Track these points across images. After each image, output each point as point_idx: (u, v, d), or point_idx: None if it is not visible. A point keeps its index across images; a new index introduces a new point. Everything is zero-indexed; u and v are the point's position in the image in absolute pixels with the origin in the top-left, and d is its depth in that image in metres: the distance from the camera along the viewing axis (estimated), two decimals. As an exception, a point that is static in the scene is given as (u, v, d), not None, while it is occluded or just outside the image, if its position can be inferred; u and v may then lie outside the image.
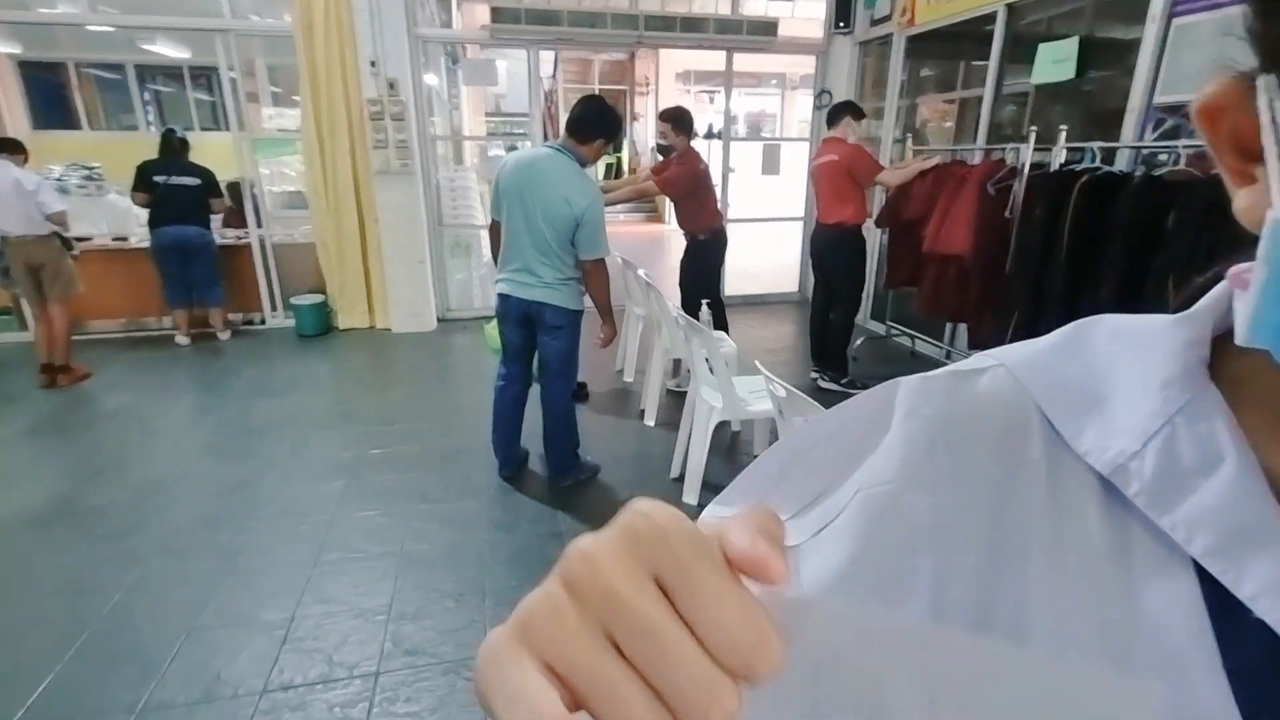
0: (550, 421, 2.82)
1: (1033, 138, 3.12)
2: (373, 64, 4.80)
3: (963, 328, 3.94)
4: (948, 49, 4.73)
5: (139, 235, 5.09)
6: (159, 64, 9.90)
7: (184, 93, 8.26)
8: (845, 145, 3.75)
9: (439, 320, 5.53)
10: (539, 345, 2.73)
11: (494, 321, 2.88)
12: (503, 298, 2.66)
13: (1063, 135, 3.11)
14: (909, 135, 4.61)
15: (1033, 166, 3.15)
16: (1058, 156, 3.13)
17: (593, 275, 2.61)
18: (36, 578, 2.30)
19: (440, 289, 5.62)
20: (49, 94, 9.47)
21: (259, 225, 5.30)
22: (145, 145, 4.88)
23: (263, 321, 5.53)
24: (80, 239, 4.62)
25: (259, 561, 2.36)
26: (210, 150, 5.12)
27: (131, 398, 4.04)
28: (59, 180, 5.43)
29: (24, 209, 3.81)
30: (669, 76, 11.91)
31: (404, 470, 3.03)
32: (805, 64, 6.19)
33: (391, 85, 4.87)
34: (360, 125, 4.93)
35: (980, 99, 4.16)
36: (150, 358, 4.76)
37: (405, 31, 4.85)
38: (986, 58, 4.07)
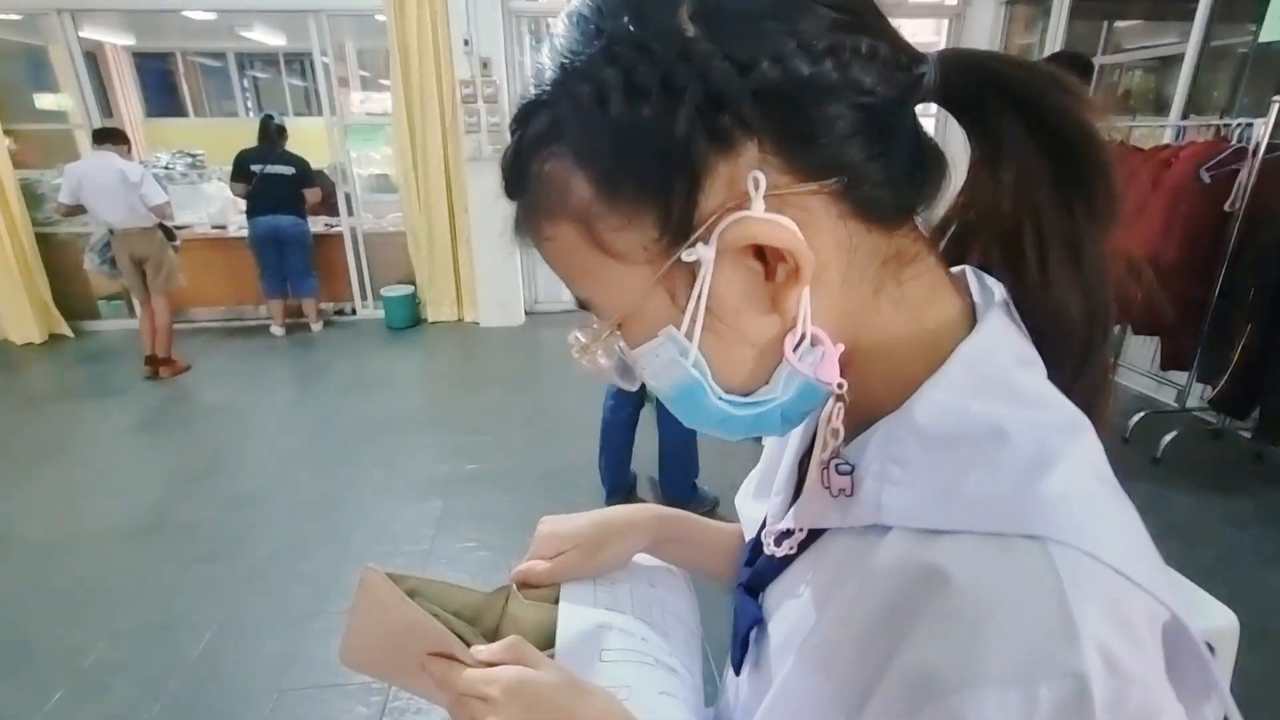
0: (668, 450, 2.47)
1: (1276, 110, 2.47)
2: (466, 42, 4.53)
3: (1138, 341, 3.30)
4: (1131, 3, 3.97)
5: (237, 224, 5.07)
6: (257, 51, 10.08)
7: (279, 78, 8.34)
8: None
9: (526, 314, 5.29)
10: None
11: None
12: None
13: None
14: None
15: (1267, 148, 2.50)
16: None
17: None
18: (129, 603, 2.16)
19: (529, 280, 5.38)
20: (159, 82, 9.82)
21: (350, 214, 5.19)
22: (245, 130, 4.82)
23: (353, 312, 5.45)
24: (180, 227, 4.62)
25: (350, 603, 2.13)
26: (304, 136, 5.02)
27: (228, 394, 3.98)
28: (165, 168, 5.48)
29: (128, 201, 3.76)
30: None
31: (502, 490, 2.76)
32: (925, 30, 5.45)
33: (485, 64, 4.59)
34: (452, 109, 4.68)
35: (1172, 62, 3.44)
36: (246, 349, 4.74)
37: (499, 6, 4.55)
38: (1179, 15, 3.35)
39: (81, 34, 4.86)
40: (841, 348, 0.34)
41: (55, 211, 4.02)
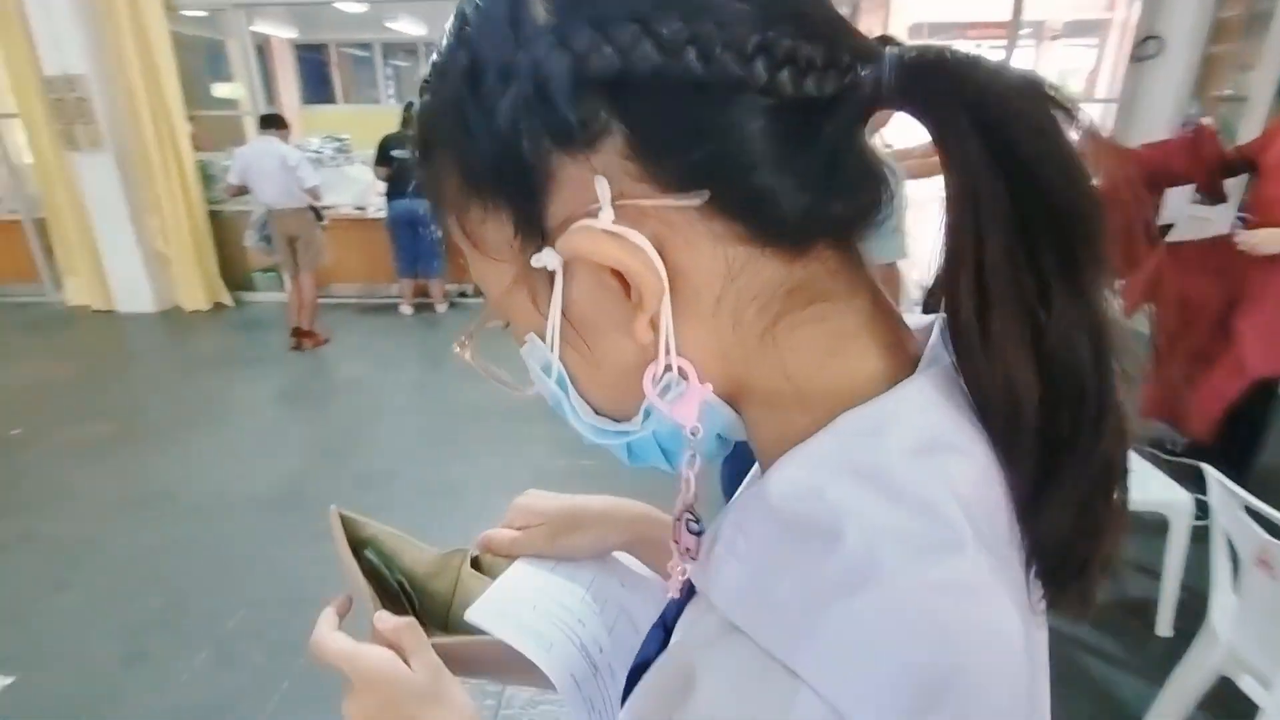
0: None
1: None
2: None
3: None
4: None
5: (376, 205, 5.33)
6: (400, 41, 10.61)
7: (418, 67, 8.76)
8: None
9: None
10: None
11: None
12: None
13: None
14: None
15: None
16: None
17: (886, 279, 1.97)
18: (266, 573, 2.26)
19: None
20: (314, 72, 10.62)
21: (478, 199, 5.31)
22: (386, 116, 5.05)
23: (476, 293, 5.60)
24: (326, 208, 4.91)
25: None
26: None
27: (359, 369, 4.18)
28: (316, 152, 5.86)
29: (285, 183, 4.02)
30: (900, 29, 10.45)
31: (621, 490, 2.67)
32: (1094, 6, 4.72)
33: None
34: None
35: None
36: (377, 326, 4.98)
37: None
38: None
39: (252, 28, 5.26)
40: (707, 388, 0.30)
41: (224, 192, 4.37)
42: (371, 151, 4.88)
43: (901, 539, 0.25)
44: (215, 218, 5.39)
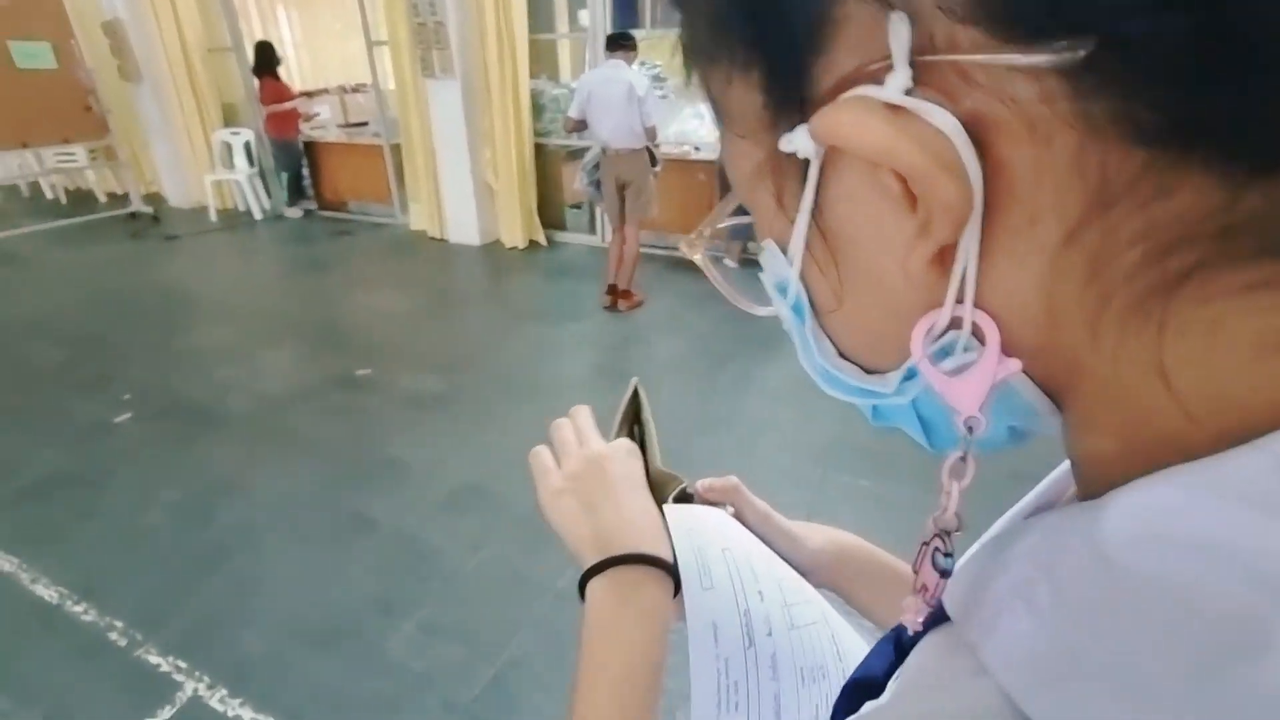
0: None
1: None
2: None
3: None
4: None
5: (710, 146, 4.60)
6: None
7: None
8: None
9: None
10: None
11: None
12: None
13: None
14: None
15: None
16: None
17: None
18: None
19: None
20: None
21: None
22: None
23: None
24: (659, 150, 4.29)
25: None
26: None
27: (677, 347, 3.54)
28: (659, 79, 5.26)
29: (627, 119, 3.41)
30: None
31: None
32: None
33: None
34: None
35: None
36: (696, 290, 4.31)
37: None
38: None
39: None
40: (1011, 365, 0.19)
41: (564, 127, 3.94)
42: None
43: None
44: (538, 151, 5.16)
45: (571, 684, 0.40)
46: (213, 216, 6.23)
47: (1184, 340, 0.16)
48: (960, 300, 0.19)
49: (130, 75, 6.31)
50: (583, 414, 0.53)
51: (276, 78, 5.78)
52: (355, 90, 7.66)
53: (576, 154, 5.18)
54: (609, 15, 4.69)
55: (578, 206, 5.79)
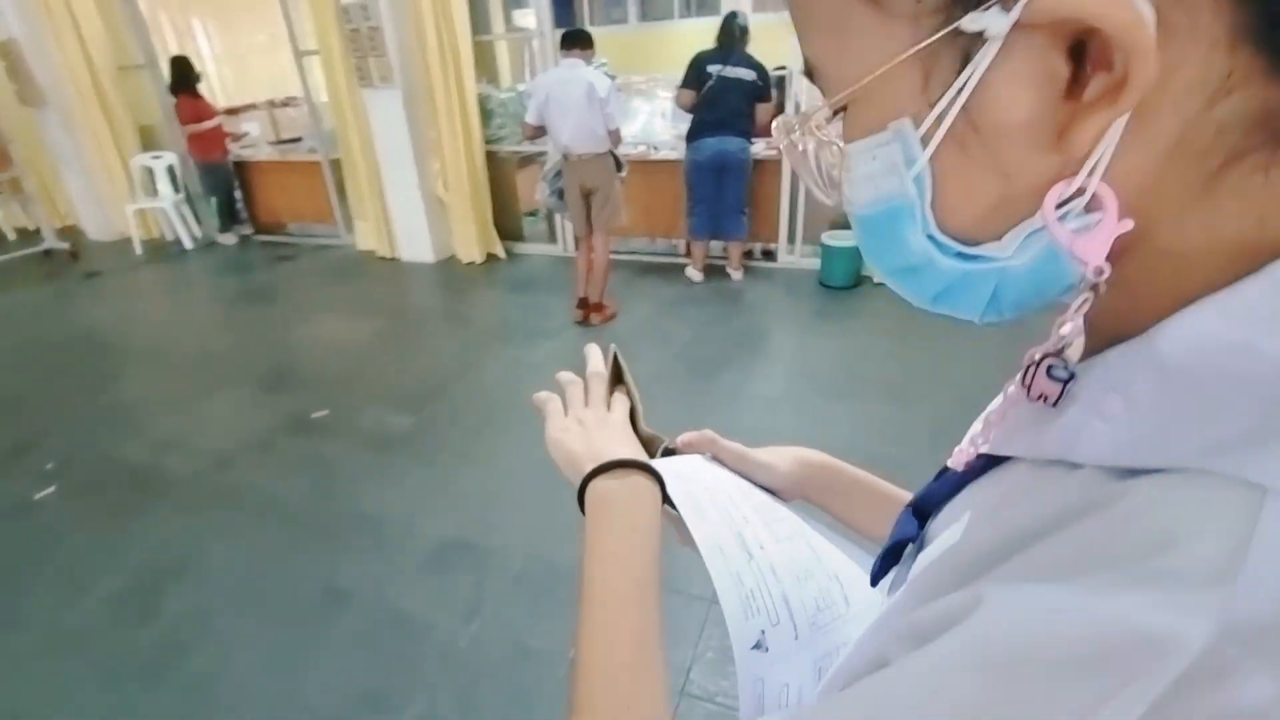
0: None
1: None
2: None
3: None
4: None
5: (668, 145, 4.41)
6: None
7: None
8: None
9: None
10: None
11: None
12: None
13: None
14: None
15: None
16: None
17: None
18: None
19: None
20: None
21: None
22: (638, 41, 4.00)
23: (774, 258, 4.52)
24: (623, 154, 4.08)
25: None
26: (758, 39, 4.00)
27: (659, 363, 3.34)
28: (612, 75, 5.04)
29: (589, 121, 3.19)
30: None
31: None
32: None
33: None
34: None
35: None
36: (666, 297, 4.11)
37: None
38: None
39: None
40: (1129, 225, 0.23)
41: (523, 134, 3.70)
42: (669, 75, 3.91)
43: None
44: (490, 159, 4.89)
45: (578, 564, 0.44)
46: (138, 249, 5.74)
47: (1234, 204, 0.22)
48: (1092, 173, 0.22)
49: (32, 100, 5.76)
50: (596, 380, 0.59)
51: (196, 95, 5.34)
52: (285, 104, 7.19)
53: (530, 159, 4.94)
54: (550, 15, 4.44)
55: (534, 214, 5.54)
